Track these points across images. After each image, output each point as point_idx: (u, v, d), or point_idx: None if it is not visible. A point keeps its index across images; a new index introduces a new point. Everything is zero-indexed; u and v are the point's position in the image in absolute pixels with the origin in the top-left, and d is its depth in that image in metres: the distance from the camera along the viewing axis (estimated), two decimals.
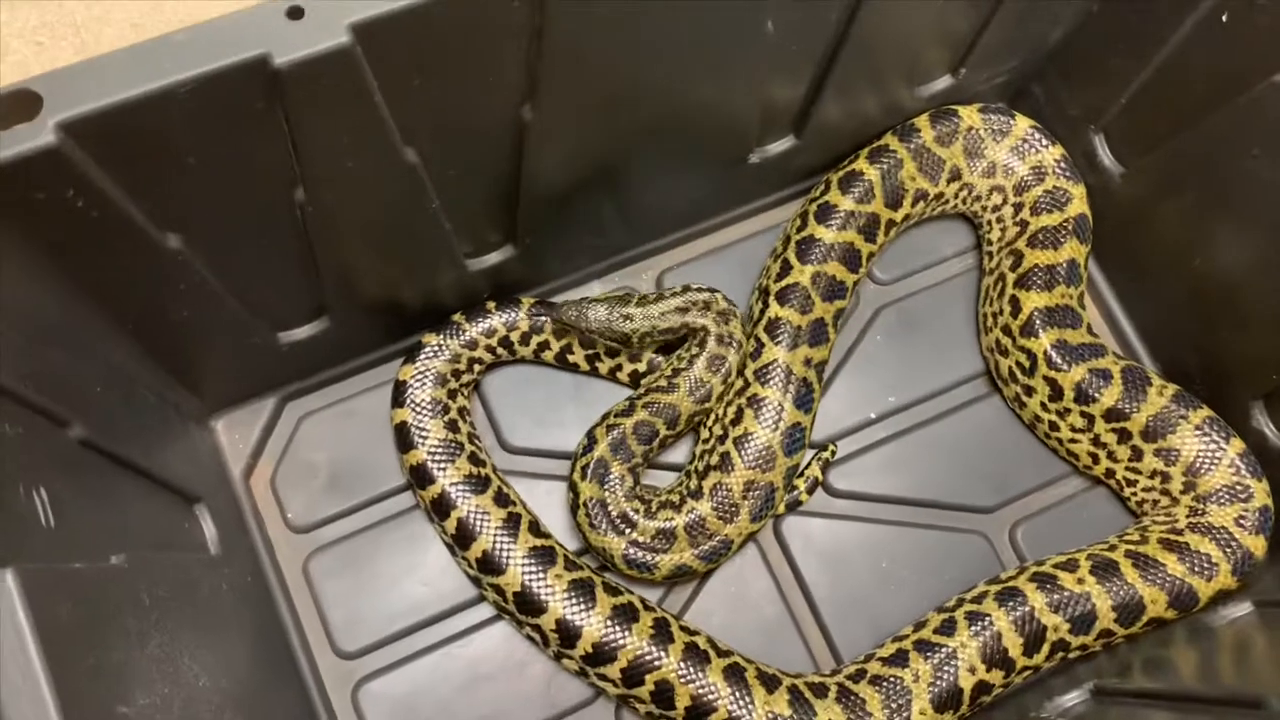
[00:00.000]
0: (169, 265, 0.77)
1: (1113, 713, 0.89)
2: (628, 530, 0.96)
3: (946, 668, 0.93)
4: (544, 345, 1.04)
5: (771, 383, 0.99)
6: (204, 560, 0.87)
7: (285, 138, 0.71)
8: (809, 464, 1.05)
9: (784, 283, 1.02)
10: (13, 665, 0.54)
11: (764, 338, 1.01)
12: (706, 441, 1.01)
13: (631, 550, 0.96)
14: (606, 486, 0.97)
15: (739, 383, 1.01)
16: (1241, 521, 0.97)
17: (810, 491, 1.05)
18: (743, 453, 0.98)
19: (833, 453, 1.06)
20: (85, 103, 0.62)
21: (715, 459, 0.99)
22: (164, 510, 0.84)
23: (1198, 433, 0.99)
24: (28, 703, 0.54)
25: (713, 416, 1.02)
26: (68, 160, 0.64)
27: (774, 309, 1.01)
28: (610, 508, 0.96)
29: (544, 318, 1.03)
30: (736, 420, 0.99)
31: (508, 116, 0.80)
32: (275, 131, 0.70)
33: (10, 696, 0.54)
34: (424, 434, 0.99)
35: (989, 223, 1.10)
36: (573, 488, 0.98)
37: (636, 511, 0.97)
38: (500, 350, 1.03)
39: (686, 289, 1.01)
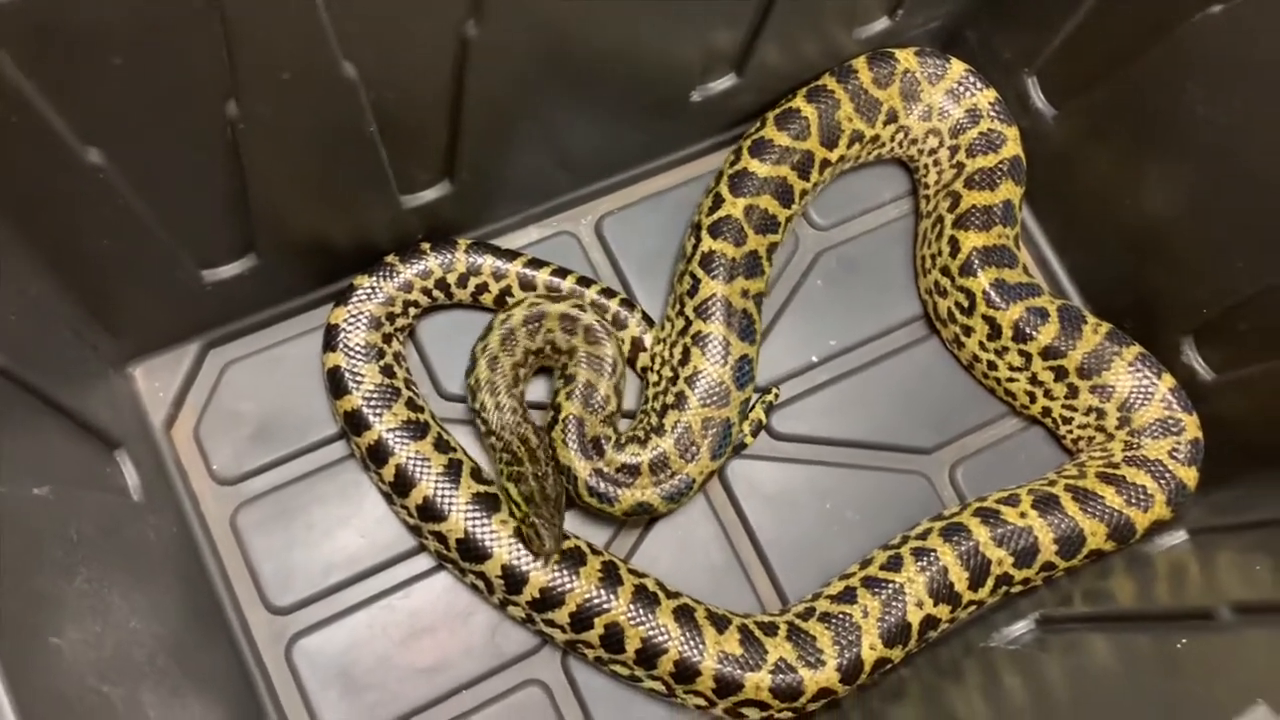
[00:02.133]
0: (88, 183, 0.72)
1: (1059, 640, 0.90)
2: (595, 457, 0.94)
3: (894, 603, 0.93)
4: (482, 287, 1.00)
5: (713, 318, 0.98)
6: (128, 505, 0.82)
7: (221, 42, 0.66)
8: (753, 407, 1.04)
9: (716, 216, 1.01)
10: None
11: (699, 273, 0.99)
12: (657, 384, 0.99)
13: (595, 479, 0.94)
14: (590, 408, 0.95)
15: (680, 322, 0.99)
16: (1174, 454, 0.99)
17: (754, 434, 1.04)
18: (696, 390, 0.96)
19: (776, 396, 1.05)
20: None
21: (671, 399, 0.97)
22: (84, 451, 0.78)
23: (1131, 369, 1.01)
24: None
25: (658, 360, 1.00)
26: None
27: (707, 242, 1.00)
28: (586, 429, 0.94)
29: (482, 259, 1.00)
30: (684, 360, 0.98)
31: (451, 33, 0.77)
32: (211, 34, 0.66)
33: None
34: (358, 379, 0.95)
35: (925, 166, 1.10)
36: (556, 409, 0.96)
37: (607, 440, 0.95)
38: (436, 293, 1.00)
39: (490, 388, 0.96)
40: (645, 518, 0.98)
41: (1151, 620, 0.82)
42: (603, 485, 0.94)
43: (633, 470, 0.94)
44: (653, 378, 1.00)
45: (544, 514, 0.88)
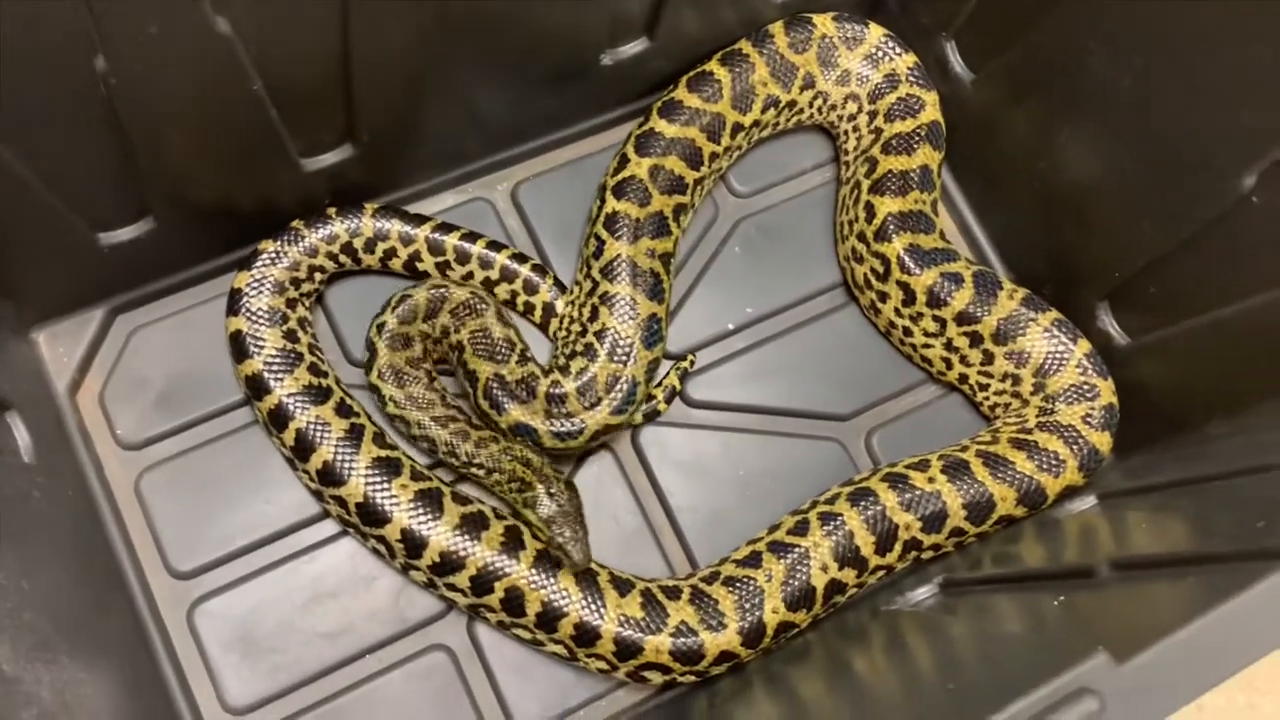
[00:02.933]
0: None
1: (960, 603, 0.89)
2: (501, 361, 0.94)
3: (799, 567, 0.93)
4: (391, 252, 1.00)
5: (619, 278, 0.97)
6: (15, 465, 0.82)
7: None
8: (667, 374, 1.03)
9: (621, 176, 1.00)
10: None
11: (604, 234, 0.99)
12: (566, 337, 0.99)
13: (494, 383, 0.94)
14: (482, 316, 0.97)
15: (588, 284, 0.99)
16: (1088, 419, 0.99)
17: (668, 401, 1.03)
18: (604, 345, 0.96)
19: (691, 363, 1.04)
20: None
21: (580, 347, 0.97)
22: None
23: (1046, 334, 1.00)
24: None
25: (568, 319, 1.00)
26: None
27: (611, 203, 1.00)
28: (496, 334, 0.96)
29: (389, 224, 0.99)
30: (593, 318, 0.97)
31: None
32: None
33: None
34: (260, 343, 0.94)
35: (845, 132, 1.10)
36: (459, 347, 0.97)
37: (512, 347, 0.96)
38: (343, 258, 0.99)
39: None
40: (533, 448, 0.96)
41: (1042, 580, 0.81)
42: (497, 391, 0.94)
43: (530, 390, 0.94)
44: (562, 334, 1.00)
45: (566, 531, 0.88)
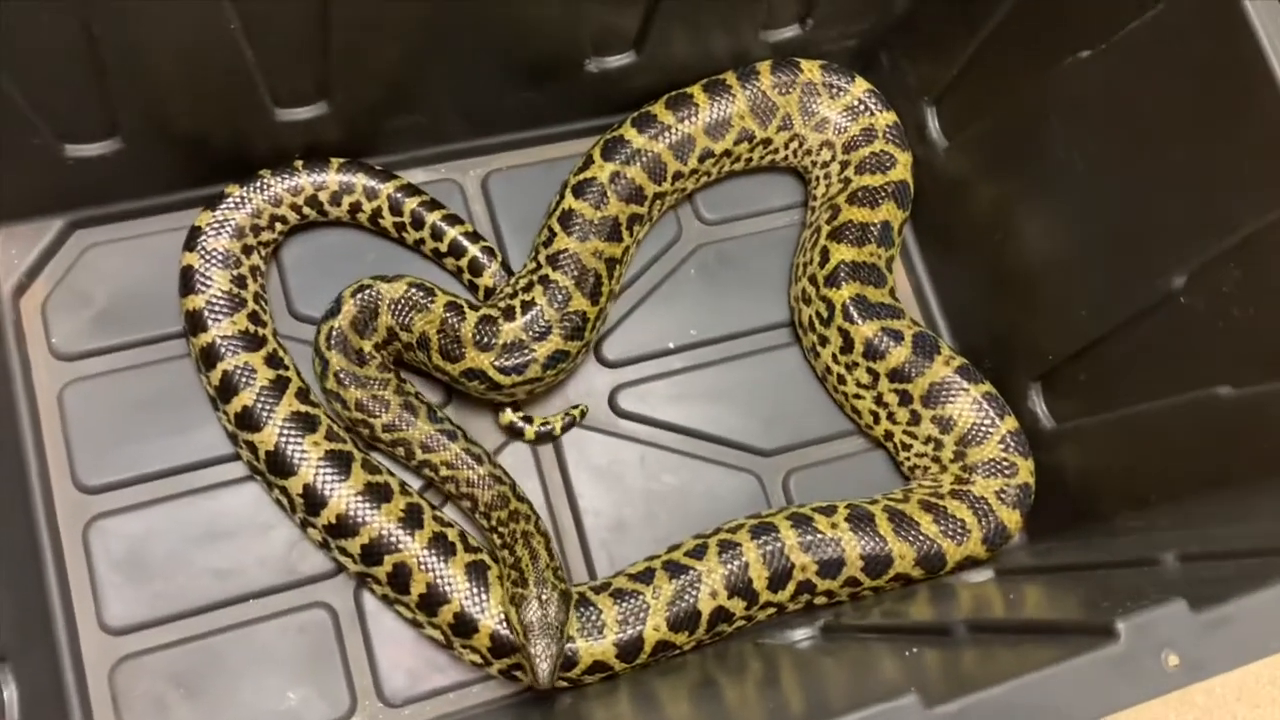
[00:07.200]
0: None
1: (843, 649, 0.89)
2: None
3: (689, 590, 0.93)
4: (356, 206, 1.02)
5: (562, 268, 0.99)
6: None
7: None
8: (558, 415, 1.04)
9: (582, 176, 1.03)
10: None
11: (556, 228, 1.01)
12: (496, 297, 1.01)
13: (413, 288, 0.98)
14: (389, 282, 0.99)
15: (532, 265, 1.01)
16: (1002, 495, 0.99)
17: (540, 440, 1.04)
18: (525, 315, 0.98)
19: (582, 413, 1.05)
20: None
21: (503, 306, 0.99)
22: None
23: (974, 406, 1.01)
24: None
25: (505, 289, 1.02)
26: None
27: (569, 200, 1.02)
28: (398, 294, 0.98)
29: (354, 178, 1.01)
30: (526, 290, 0.99)
31: None
32: None
33: None
34: (207, 282, 0.96)
35: (816, 178, 1.11)
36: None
37: (420, 290, 0.98)
38: (307, 209, 1.01)
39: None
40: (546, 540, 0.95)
41: (909, 634, 0.82)
42: (413, 294, 0.97)
43: (430, 294, 0.97)
44: (494, 299, 1.02)
45: (540, 645, 0.85)
